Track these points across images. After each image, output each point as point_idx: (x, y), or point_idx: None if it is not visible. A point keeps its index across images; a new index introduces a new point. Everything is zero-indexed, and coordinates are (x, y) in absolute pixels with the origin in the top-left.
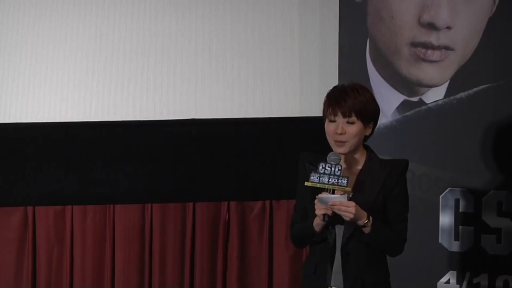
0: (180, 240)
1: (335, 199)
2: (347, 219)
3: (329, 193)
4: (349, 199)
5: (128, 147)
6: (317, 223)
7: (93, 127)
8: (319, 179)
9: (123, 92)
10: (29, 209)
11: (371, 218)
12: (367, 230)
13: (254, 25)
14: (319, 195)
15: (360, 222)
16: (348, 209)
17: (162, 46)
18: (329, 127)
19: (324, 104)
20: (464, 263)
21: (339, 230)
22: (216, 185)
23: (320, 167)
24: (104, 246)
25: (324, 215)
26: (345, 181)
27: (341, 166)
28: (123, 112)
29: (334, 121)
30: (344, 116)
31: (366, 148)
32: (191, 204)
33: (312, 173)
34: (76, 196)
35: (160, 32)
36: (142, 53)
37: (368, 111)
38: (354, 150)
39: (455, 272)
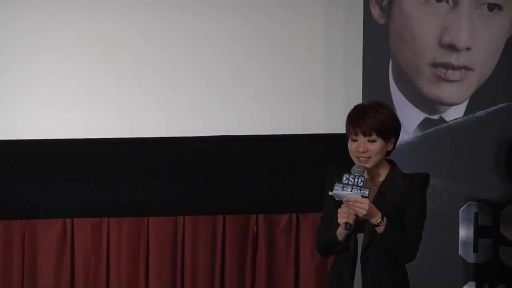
0: (211, 251)
1: (350, 195)
2: (361, 215)
3: None
4: None
5: (161, 162)
6: (340, 232)
7: (128, 143)
8: (343, 189)
9: (155, 110)
10: (68, 221)
11: (385, 219)
12: (380, 229)
13: (281, 45)
14: (335, 192)
15: (374, 221)
16: (362, 205)
17: (191, 65)
18: (352, 146)
19: (346, 124)
20: (483, 275)
21: (360, 238)
22: (245, 199)
23: (344, 178)
24: (138, 257)
25: (346, 223)
26: (367, 192)
27: (364, 177)
28: (157, 129)
29: (356, 140)
30: (364, 135)
31: (390, 162)
32: (221, 216)
33: (336, 183)
34: (112, 209)
35: (189, 51)
36: (173, 72)
37: (387, 128)
38: (377, 164)
39: (473, 283)
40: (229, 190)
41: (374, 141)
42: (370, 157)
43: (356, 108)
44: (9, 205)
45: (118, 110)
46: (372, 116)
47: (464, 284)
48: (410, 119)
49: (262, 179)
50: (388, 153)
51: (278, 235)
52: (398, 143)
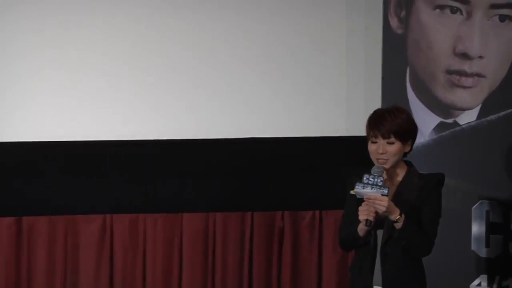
0: (239, 245)
1: (370, 193)
2: (381, 212)
3: None
4: None
5: (194, 163)
6: (361, 228)
7: (163, 144)
8: (363, 188)
9: (187, 113)
10: (107, 217)
11: (403, 215)
12: (398, 225)
13: (306, 54)
14: (356, 191)
15: (392, 217)
16: (381, 202)
17: (218, 69)
18: (371, 147)
19: (366, 127)
20: (494, 268)
21: (379, 234)
22: (272, 197)
23: (365, 178)
24: (172, 250)
25: (366, 220)
26: (386, 191)
27: (383, 177)
28: (188, 131)
29: (376, 142)
30: (383, 137)
31: (407, 163)
32: (249, 213)
33: (357, 183)
34: (149, 205)
35: (215, 56)
36: (202, 77)
37: (405, 131)
38: (395, 165)
39: (485, 276)
40: (256, 189)
41: (392, 143)
42: (388, 159)
43: (376, 112)
44: (53, 202)
45: (158, 112)
46: (391, 120)
47: (476, 277)
48: (426, 122)
49: (288, 179)
50: (405, 154)
51: (303, 231)
52: (414, 145)
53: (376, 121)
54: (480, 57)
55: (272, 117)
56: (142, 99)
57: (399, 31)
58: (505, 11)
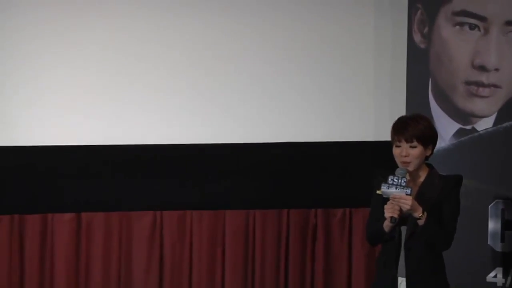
0: (277, 239)
1: (396, 193)
2: (405, 209)
3: None
4: None
5: (236, 164)
6: (386, 224)
7: (209, 148)
8: (388, 188)
9: (232, 119)
10: (158, 213)
11: (425, 213)
12: (421, 222)
13: (338, 68)
14: (382, 190)
15: (416, 214)
16: (405, 201)
17: (266, 81)
18: (396, 151)
19: (391, 132)
20: (509, 261)
21: (403, 230)
22: (306, 196)
23: (389, 179)
24: (216, 244)
25: (391, 217)
26: (409, 191)
27: (406, 178)
28: (233, 136)
29: (400, 146)
30: (407, 142)
31: (428, 165)
32: (285, 210)
33: (383, 184)
34: (195, 203)
35: (263, 68)
36: (240, 85)
37: (426, 137)
38: (417, 167)
39: (501, 268)
40: (292, 188)
41: (415, 147)
42: (411, 161)
43: (400, 119)
44: (109, 199)
45: (198, 119)
46: (413, 126)
47: (492, 269)
48: (447, 129)
49: (321, 179)
50: (427, 157)
51: (334, 227)
52: (436, 149)
53: (400, 126)
54: (496, 69)
55: (306, 124)
56: (186, 106)
57: (422, 46)
58: None
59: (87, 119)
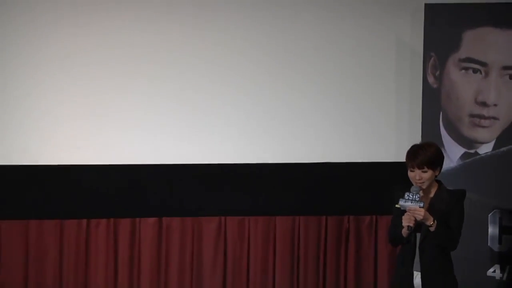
0: (317, 240)
1: (411, 206)
2: (419, 219)
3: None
4: None
5: (285, 180)
6: (404, 231)
7: (262, 167)
8: (405, 202)
9: (278, 141)
10: (222, 218)
11: (435, 221)
12: (432, 229)
13: (369, 106)
14: (400, 204)
15: (428, 223)
16: (419, 213)
17: (287, 100)
18: (410, 174)
19: (406, 159)
20: (505, 260)
21: (418, 235)
22: (341, 205)
23: (406, 195)
24: (268, 243)
25: (408, 226)
26: (422, 204)
27: (420, 194)
28: (277, 156)
29: (413, 171)
30: (418, 168)
31: (438, 181)
32: (324, 217)
33: (401, 199)
34: (252, 210)
35: (304, 98)
36: (285, 107)
37: (434, 162)
38: (429, 185)
39: (498, 265)
40: (330, 199)
41: (426, 171)
42: (423, 182)
43: (412, 148)
44: (186, 206)
45: (249, 142)
46: (423, 154)
47: (491, 266)
48: (454, 152)
49: (352, 192)
50: (436, 176)
51: (363, 230)
52: (445, 168)
53: (412, 155)
54: (495, 105)
55: (341, 148)
56: (240, 132)
57: (435, 86)
58: None
59: (174, 141)
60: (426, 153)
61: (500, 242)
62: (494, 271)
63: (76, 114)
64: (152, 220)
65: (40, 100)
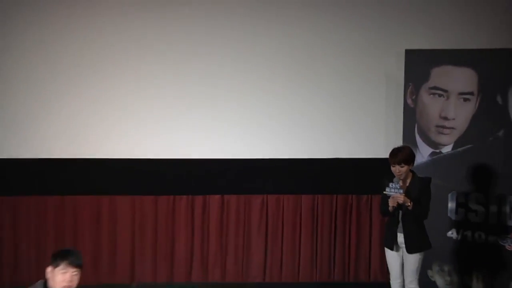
0: (329, 211)
1: (394, 194)
2: (400, 202)
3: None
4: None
5: (308, 170)
6: (390, 209)
7: (282, 161)
8: (390, 191)
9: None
10: (265, 196)
11: (411, 202)
12: (409, 207)
13: (364, 125)
14: (387, 192)
15: (406, 204)
16: (399, 197)
17: (305, 102)
18: (392, 169)
19: (388, 158)
20: (459, 225)
21: (400, 211)
22: (346, 188)
23: (390, 185)
24: (296, 214)
25: (392, 207)
26: (402, 191)
27: (400, 184)
28: (298, 152)
29: (394, 166)
30: (398, 164)
31: (412, 172)
32: (335, 195)
33: (386, 188)
34: (285, 190)
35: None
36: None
37: (408, 160)
38: (405, 176)
39: (455, 229)
40: (339, 184)
41: (403, 166)
42: (402, 174)
43: (392, 150)
44: (242, 187)
45: (291, 135)
46: (400, 155)
47: (450, 230)
48: (425, 151)
49: (355, 178)
50: (410, 169)
51: (362, 206)
52: (419, 162)
53: (393, 156)
54: (453, 119)
55: (349, 148)
56: (277, 132)
57: (412, 106)
58: (466, 96)
59: (221, 138)
60: (402, 154)
61: (456, 213)
62: (452, 233)
63: (158, 115)
64: (217, 196)
65: (110, 104)
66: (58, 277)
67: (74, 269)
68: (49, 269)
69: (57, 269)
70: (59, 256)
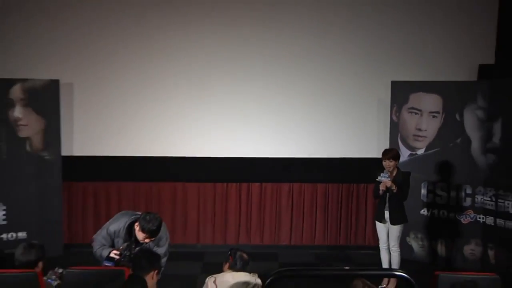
0: (337, 196)
1: (384, 180)
2: (388, 186)
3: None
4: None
5: (320, 165)
6: (380, 192)
7: (306, 160)
8: (381, 177)
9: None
10: (291, 184)
11: (396, 188)
12: (394, 191)
13: (360, 135)
14: (379, 179)
15: (392, 188)
16: (388, 183)
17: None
18: (384, 164)
19: (382, 156)
20: (429, 206)
21: (387, 194)
22: (349, 179)
23: (381, 174)
24: (313, 199)
25: (382, 190)
26: (390, 179)
27: (388, 174)
28: (315, 152)
29: (385, 161)
30: (388, 160)
31: (397, 167)
32: (340, 184)
33: (379, 176)
34: (305, 180)
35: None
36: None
37: (395, 157)
38: (393, 169)
39: (425, 208)
40: (343, 176)
41: (392, 162)
42: (391, 168)
43: (385, 150)
44: (273, 177)
45: (327, 137)
46: (390, 153)
47: (422, 209)
48: (405, 153)
49: (355, 172)
50: (396, 165)
51: (360, 191)
52: (401, 161)
53: (385, 154)
54: (425, 130)
55: (351, 150)
56: (298, 134)
57: (396, 120)
58: (434, 114)
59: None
60: (392, 153)
61: (427, 197)
62: (424, 211)
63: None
64: (257, 184)
65: (178, 111)
66: (137, 231)
67: (145, 234)
68: (136, 224)
69: (137, 227)
70: (141, 217)
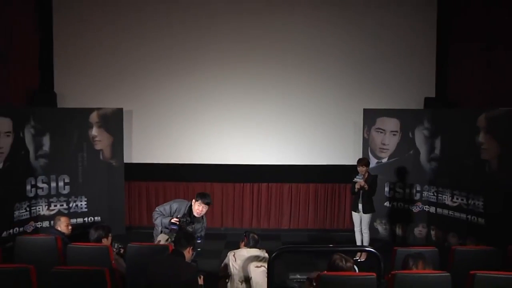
0: (325, 194)
1: (358, 181)
2: (362, 185)
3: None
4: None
5: (317, 171)
6: (356, 190)
7: (300, 167)
8: (356, 179)
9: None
10: (291, 184)
11: (367, 186)
12: (366, 189)
13: (343, 150)
14: (355, 180)
15: (364, 187)
16: (361, 182)
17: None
18: (358, 169)
19: (357, 163)
20: (390, 199)
21: (361, 191)
22: (333, 180)
23: (356, 176)
24: (307, 195)
25: (357, 189)
26: (363, 180)
27: (362, 176)
28: (312, 159)
29: (360, 167)
30: (362, 166)
31: (368, 171)
32: (327, 184)
33: (355, 178)
34: (301, 181)
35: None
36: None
37: (367, 164)
38: (365, 173)
39: (388, 201)
40: (329, 178)
41: (364, 168)
42: (363, 172)
43: (359, 159)
44: (280, 178)
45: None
46: (363, 161)
47: (386, 201)
48: (373, 161)
49: (338, 175)
50: (367, 170)
51: (341, 189)
52: (371, 167)
53: (359, 162)
54: (388, 144)
55: (334, 157)
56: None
57: (367, 137)
58: (394, 133)
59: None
60: (364, 161)
61: (389, 193)
62: (386, 204)
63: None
64: (265, 184)
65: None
66: (195, 206)
67: (204, 205)
68: (193, 201)
69: (197, 202)
70: (199, 195)
